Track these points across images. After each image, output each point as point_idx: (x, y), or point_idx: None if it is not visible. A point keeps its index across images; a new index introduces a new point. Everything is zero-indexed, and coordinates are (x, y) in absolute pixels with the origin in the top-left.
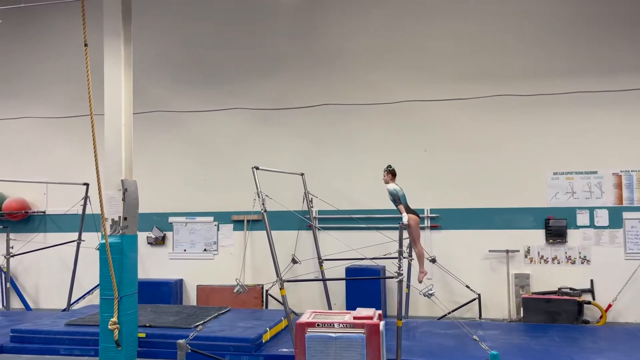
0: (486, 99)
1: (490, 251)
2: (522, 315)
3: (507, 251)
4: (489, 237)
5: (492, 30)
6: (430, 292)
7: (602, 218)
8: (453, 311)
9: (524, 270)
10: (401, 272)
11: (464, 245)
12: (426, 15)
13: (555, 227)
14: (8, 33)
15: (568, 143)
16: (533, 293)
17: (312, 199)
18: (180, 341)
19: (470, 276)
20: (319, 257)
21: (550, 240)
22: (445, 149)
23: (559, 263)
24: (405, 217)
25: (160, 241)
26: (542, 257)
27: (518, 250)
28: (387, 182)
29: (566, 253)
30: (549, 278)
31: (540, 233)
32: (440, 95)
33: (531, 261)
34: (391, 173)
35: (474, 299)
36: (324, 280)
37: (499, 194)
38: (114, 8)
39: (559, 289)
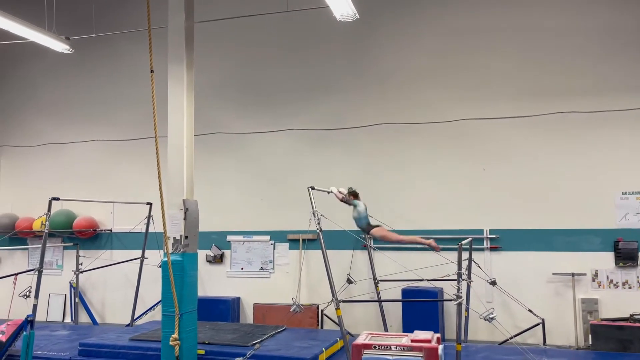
0: (548, 117)
1: (554, 274)
2: (590, 342)
3: (573, 274)
4: (552, 259)
5: (554, 45)
6: (491, 316)
7: None
8: (515, 336)
9: (591, 294)
10: (460, 294)
11: (526, 267)
12: (483, 33)
13: (626, 249)
14: (80, 61)
15: (637, 161)
16: (602, 319)
17: None
18: (238, 359)
19: (533, 300)
20: (375, 278)
21: (620, 264)
22: (505, 167)
23: (630, 288)
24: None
25: (218, 259)
26: (612, 281)
27: (585, 274)
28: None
29: (638, 277)
30: (620, 304)
31: (609, 256)
32: (498, 114)
33: (599, 285)
34: (353, 195)
35: (538, 324)
36: (379, 301)
37: (563, 215)
38: (177, 36)
39: (631, 315)
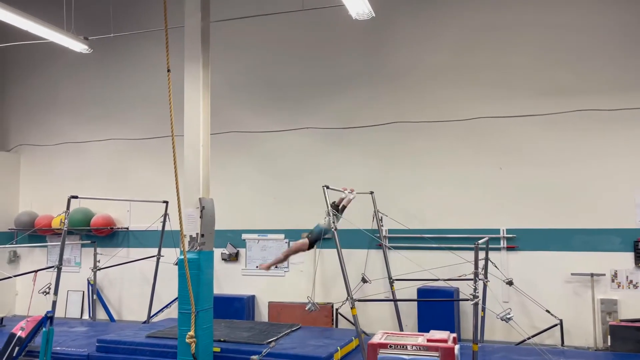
0: (566, 115)
1: (572, 274)
2: (609, 343)
3: (592, 275)
4: (571, 259)
5: (572, 43)
6: (508, 316)
7: None
8: (533, 337)
9: (610, 295)
10: (477, 294)
11: (544, 267)
12: (499, 30)
13: None
14: (98, 61)
15: None
16: (621, 320)
17: (382, 217)
18: (254, 357)
19: (551, 300)
20: (390, 277)
21: None
22: (522, 166)
23: None
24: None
25: (233, 257)
26: (631, 281)
27: (604, 274)
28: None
29: None
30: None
31: (629, 256)
32: (516, 112)
33: (619, 286)
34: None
35: (556, 325)
36: (395, 300)
37: (582, 214)
38: (194, 35)
39: None
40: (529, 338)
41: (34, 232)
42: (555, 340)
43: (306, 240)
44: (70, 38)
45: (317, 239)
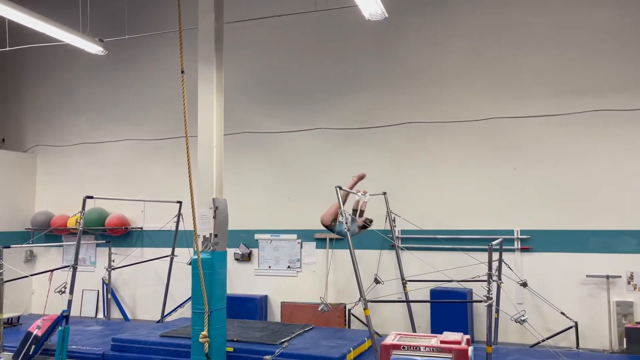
0: (581, 115)
1: (588, 276)
2: (625, 346)
3: (608, 277)
4: (586, 261)
5: (587, 42)
6: (522, 317)
7: None
8: (547, 339)
9: (626, 297)
10: (490, 295)
11: (559, 269)
12: (513, 29)
13: None
14: (112, 63)
15: None
16: (637, 322)
17: (394, 218)
18: (267, 357)
19: (566, 302)
20: (403, 278)
21: None
22: (537, 167)
23: None
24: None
25: (246, 257)
26: None
27: (620, 276)
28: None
29: None
30: None
31: None
32: (530, 112)
33: (635, 288)
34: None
35: (570, 327)
36: (408, 301)
37: (597, 215)
38: (207, 37)
39: None
40: (543, 340)
41: (50, 232)
42: (570, 343)
43: (329, 222)
44: (86, 40)
45: (335, 232)
